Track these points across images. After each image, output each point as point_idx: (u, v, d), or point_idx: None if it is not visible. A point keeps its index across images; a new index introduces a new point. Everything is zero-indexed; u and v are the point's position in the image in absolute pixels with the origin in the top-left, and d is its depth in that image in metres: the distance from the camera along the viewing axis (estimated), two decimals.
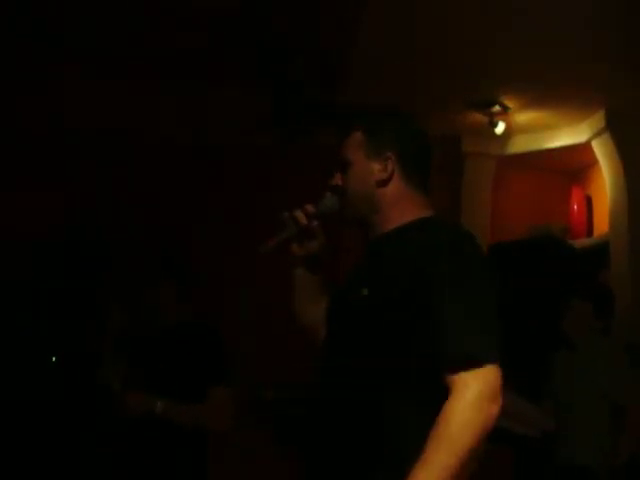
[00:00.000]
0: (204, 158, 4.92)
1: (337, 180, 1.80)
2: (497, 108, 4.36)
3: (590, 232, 4.99)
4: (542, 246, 4.73)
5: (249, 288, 4.78)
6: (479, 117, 4.50)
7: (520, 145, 4.94)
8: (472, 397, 1.47)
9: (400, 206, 1.73)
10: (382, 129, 1.76)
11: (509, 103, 4.35)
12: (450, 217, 5.51)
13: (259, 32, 3.53)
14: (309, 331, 1.95)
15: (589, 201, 5.06)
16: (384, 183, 1.73)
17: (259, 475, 4.42)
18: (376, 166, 1.74)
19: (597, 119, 4.48)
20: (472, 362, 1.49)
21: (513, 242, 4.86)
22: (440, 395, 1.51)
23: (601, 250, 4.56)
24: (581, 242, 4.89)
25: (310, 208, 1.83)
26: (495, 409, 1.49)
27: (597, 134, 4.53)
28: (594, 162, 4.76)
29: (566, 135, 4.76)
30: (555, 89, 4.18)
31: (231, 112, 4.38)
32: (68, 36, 3.85)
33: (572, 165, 5.10)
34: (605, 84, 4.09)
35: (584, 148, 4.70)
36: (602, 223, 4.79)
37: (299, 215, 1.82)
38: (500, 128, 4.47)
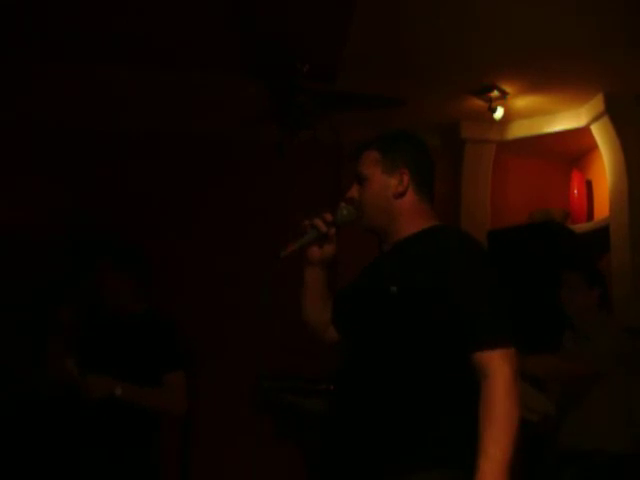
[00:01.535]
0: (204, 154, 4.93)
1: (353, 192, 1.99)
2: (496, 93, 4.35)
3: (590, 217, 4.98)
4: (542, 231, 4.72)
5: (249, 282, 4.78)
6: (478, 103, 4.49)
7: (519, 130, 4.93)
8: (509, 376, 1.70)
9: (413, 215, 1.94)
10: (395, 148, 1.97)
11: (508, 88, 4.34)
12: (450, 203, 5.46)
13: (258, 26, 3.54)
14: (314, 326, 2.11)
15: (589, 185, 5.05)
16: (400, 195, 1.94)
17: (259, 465, 4.44)
18: (393, 181, 1.94)
19: (596, 103, 4.47)
20: (504, 343, 1.74)
21: (513, 228, 4.86)
22: (468, 381, 1.74)
23: (602, 234, 4.57)
24: (581, 227, 4.89)
25: (328, 216, 1.99)
26: (519, 387, 1.72)
27: (596, 118, 4.52)
28: (594, 146, 4.75)
29: (565, 120, 4.75)
30: (554, 73, 4.17)
31: (231, 107, 4.37)
32: (67, 35, 3.85)
33: (572, 150, 5.09)
34: (604, 68, 4.08)
35: (583, 132, 4.69)
36: (602, 207, 4.78)
37: (319, 223, 1.98)
38: (499, 113, 4.45)
